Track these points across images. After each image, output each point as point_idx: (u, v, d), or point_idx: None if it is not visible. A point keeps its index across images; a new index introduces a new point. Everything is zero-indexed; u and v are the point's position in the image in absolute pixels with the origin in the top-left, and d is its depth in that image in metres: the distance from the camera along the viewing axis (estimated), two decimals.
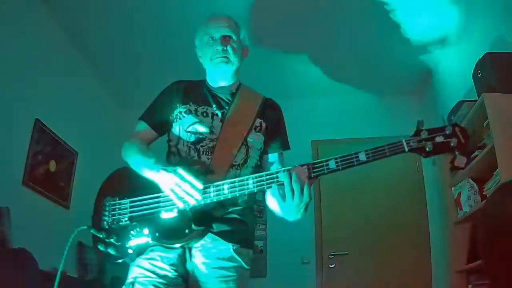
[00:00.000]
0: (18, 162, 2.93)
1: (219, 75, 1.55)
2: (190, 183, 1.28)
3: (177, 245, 1.34)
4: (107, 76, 4.10)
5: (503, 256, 1.27)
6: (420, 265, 3.74)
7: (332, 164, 1.19)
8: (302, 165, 1.21)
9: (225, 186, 1.28)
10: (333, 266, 3.87)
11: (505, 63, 2.30)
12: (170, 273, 1.33)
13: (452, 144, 1.14)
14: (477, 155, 2.49)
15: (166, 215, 1.32)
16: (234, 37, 1.53)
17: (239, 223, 1.41)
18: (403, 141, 1.17)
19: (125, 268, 1.44)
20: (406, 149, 1.16)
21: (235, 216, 1.40)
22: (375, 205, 3.97)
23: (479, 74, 2.43)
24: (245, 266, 1.38)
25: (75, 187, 3.57)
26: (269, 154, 1.53)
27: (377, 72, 3.99)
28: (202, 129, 1.44)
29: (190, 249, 1.37)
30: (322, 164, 1.20)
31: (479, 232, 2.03)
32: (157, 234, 1.32)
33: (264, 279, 3.83)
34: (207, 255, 1.35)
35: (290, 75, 4.02)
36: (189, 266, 1.37)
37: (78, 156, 3.68)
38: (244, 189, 1.26)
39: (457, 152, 1.16)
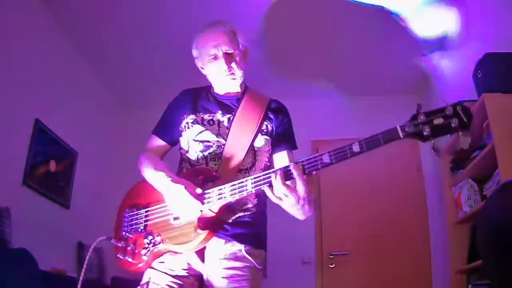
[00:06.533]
0: (18, 162, 2.92)
1: (227, 87, 1.59)
2: (188, 202, 1.33)
3: (186, 250, 1.37)
4: (107, 76, 4.10)
5: (503, 256, 1.27)
6: (420, 265, 3.74)
7: (326, 158, 1.18)
8: (296, 163, 1.22)
9: (226, 190, 1.31)
10: (333, 266, 3.87)
11: (505, 63, 2.30)
12: (183, 273, 1.38)
13: (453, 125, 1.06)
14: (477, 155, 2.50)
15: (176, 221, 1.38)
16: (235, 51, 1.53)
17: (250, 226, 1.45)
18: (398, 126, 1.11)
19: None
20: (401, 135, 1.11)
21: (247, 219, 1.44)
22: (375, 205, 3.97)
23: (479, 74, 2.43)
24: (257, 266, 1.43)
25: (75, 187, 3.57)
26: (278, 154, 1.55)
27: (377, 72, 3.99)
28: (209, 136, 1.48)
29: (203, 251, 1.40)
30: (316, 159, 1.19)
31: (479, 232, 2.04)
32: (167, 240, 1.38)
33: (264, 279, 3.83)
34: (220, 256, 1.39)
35: (290, 75, 4.02)
36: (203, 267, 1.41)
37: (78, 156, 3.68)
38: (243, 191, 1.28)
39: (460, 133, 1.06)
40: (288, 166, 1.21)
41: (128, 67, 3.96)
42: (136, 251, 1.41)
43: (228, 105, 1.56)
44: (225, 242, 1.40)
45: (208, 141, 1.47)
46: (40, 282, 2.25)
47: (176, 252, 1.39)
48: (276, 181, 1.19)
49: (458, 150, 2.89)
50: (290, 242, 3.73)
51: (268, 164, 1.54)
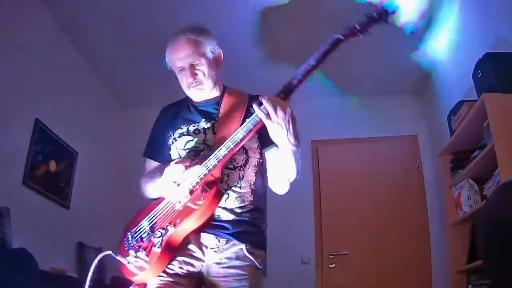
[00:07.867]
0: (18, 162, 2.92)
1: (200, 96, 1.60)
2: (185, 173, 1.37)
3: (200, 215, 1.36)
4: (107, 76, 4.10)
5: (503, 256, 1.27)
6: (420, 265, 3.75)
7: (294, 82, 1.43)
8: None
9: (220, 148, 1.35)
10: (333, 266, 3.87)
11: (505, 63, 2.30)
12: (180, 271, 1.36)
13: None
14: (477, 155, 2.50)
15: (180, 203, 1.38)
16: (200, 60, 1.53)
17: (251, 225, 1.45)
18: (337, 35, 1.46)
19: None
20: (342, 37, 1.48)
21: (246, 219, 1.44)
22: (375, 205, 3.97)
23: (479, 74, 2.43)
24: (258, 266, 1.42)
25: (75, 187, 3.57)
26: (267, 149, 1.53)
27: (377, 72, 3.98)
28: (197, 143, 1.50)
29: (203, 249, 1.40)
30: (286, 84, 1.42)
31: (479, 232, 2.04)
32: (177, 220, 1.37)
33: (264, 279, 3.83)
34: (221, 255, 1.39)
35: (289, 75, 4.02)
36: (203, 266, 1.40)
37: (78, 156, 3.68)
38: (236, 140, 1.34)
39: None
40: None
41: (128, 67, 3.96)
42: (148, 251, 1.36)
43: (209, 111, 1.57)
44: (227, 241, 1.40)
45: (197, 147, 1.49)
46: (40, 282, 2.25)
47: (189, 240, 1.38)
48: (263, 101, 1.31)
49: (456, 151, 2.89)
50: (290, 242, 3.73)
51: (261, 160, 1.54)
